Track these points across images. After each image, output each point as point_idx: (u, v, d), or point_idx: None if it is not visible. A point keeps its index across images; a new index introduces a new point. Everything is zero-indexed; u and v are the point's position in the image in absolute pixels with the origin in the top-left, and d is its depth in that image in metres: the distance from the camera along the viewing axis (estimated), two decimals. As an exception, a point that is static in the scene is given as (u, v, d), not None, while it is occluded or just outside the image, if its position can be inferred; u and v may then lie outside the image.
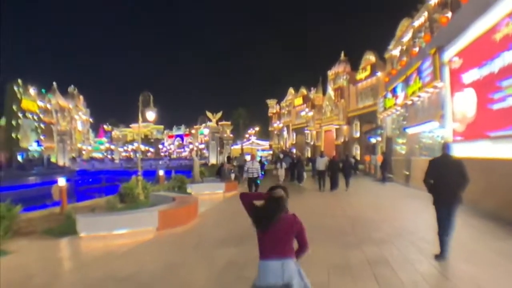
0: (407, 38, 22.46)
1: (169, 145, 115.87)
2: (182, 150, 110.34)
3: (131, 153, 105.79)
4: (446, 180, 5.90)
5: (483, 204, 9.93)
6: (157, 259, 6.69)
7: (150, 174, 21.47)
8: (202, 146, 74.00)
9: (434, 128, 14.34)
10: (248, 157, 22.09)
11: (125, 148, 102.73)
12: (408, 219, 10.23)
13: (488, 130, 10.12)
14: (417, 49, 18.16)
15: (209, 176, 21.79)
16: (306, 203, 13.10)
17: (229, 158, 29.00)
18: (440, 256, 5.91)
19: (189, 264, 6.33)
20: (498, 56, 9.42)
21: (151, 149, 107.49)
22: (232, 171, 20.60)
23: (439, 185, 5.99)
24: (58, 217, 10.32)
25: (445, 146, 6.31)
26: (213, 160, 31.24)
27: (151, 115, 14.87)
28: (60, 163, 45.92)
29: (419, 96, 15.97)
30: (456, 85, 12.22)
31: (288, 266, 2.93)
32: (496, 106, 9.70)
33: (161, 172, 19.52)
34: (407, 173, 17.88)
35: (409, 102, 17.54)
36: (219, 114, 33.44)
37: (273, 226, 2.98)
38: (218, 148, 44.16)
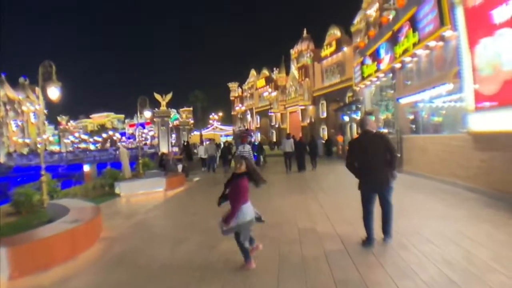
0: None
1: (131, 134, 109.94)
2: (143, 139, 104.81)
3: (90, 145, 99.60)
4: (372, 160, 5.31)
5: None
6: None
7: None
8: (152, 133, 68.72)
9: (444, 93, 10.72)
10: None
11: (73, 139, 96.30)
12: (434, 237, 5.84)
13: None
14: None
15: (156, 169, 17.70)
16: (272, 204, 9.19)
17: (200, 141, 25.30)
18: (367, 242, 5.39)
19: None
20: None
21: (99, 139, 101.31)
22: (180, 161, 16.40)
23: (365, 167, 5.40)
24: None
25: (364, 122, 5.58)
26: (164, 149, 26.84)
27: (54, 92, 10.66)
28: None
29: (413, 55, 12.34)
30: (480, 28, 8.62)
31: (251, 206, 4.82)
32: None
33: (86, 168, 15.09)
34: (398, 155, 14.39)
35: (398, 66, 13.92)
36: (169, 96, 28.77)
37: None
38: (176, 134, 39.80)
